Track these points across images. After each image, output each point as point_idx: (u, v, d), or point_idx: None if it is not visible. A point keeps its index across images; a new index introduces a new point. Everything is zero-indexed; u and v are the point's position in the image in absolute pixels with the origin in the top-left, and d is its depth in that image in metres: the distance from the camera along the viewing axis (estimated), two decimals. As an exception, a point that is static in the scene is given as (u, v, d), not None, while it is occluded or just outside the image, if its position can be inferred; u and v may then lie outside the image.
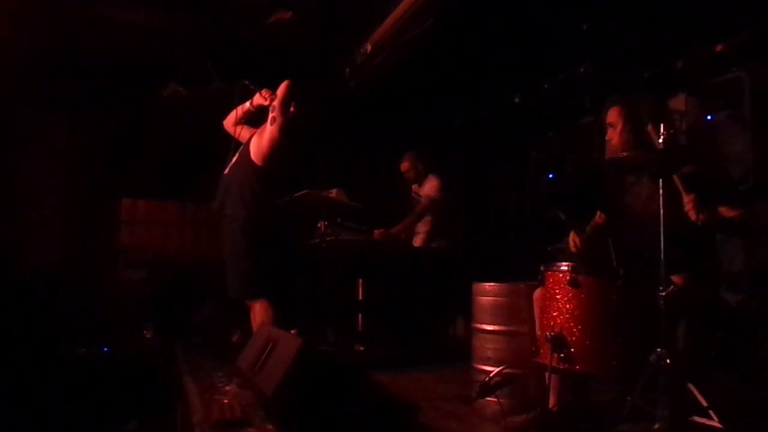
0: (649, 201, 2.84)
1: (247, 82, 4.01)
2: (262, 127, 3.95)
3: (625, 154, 2.95)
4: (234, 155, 4.06)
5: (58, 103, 5.87)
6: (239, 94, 4.07)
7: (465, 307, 3.43)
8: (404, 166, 5.43)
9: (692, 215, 2.53)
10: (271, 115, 3.87)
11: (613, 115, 3.05)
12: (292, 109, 3.91)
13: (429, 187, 5.24)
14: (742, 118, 4.51)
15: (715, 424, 2.36)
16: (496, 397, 2.83)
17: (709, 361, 3.44)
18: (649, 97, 3.16)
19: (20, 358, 4.69)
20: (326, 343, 4.63)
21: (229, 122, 4.21)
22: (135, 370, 4.93)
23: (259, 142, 3.90)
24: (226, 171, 4.04)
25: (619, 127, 3.00)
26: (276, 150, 3.85)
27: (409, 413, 2.45)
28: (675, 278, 2.60)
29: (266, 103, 3.94)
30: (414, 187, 5.50)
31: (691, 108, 4.85)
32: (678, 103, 4.90)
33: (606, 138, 3.09)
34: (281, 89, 3.87)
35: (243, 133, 4.13)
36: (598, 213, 3.17)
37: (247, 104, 4.08)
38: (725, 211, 2.64)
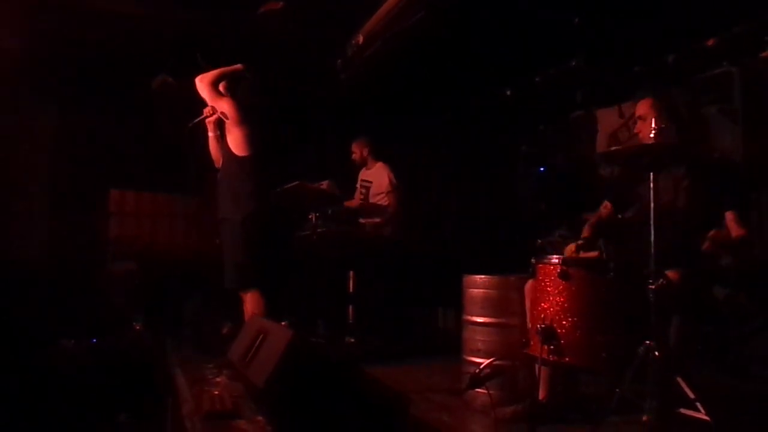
0: (658, 194, 2.81)
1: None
2: (225, 127, 3.97)
3: (615, 148, 2.97)
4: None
5: (44, 92, 5.81)
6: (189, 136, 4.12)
7: (456, 300, 3.44)
8: (353, 148, 5.44)
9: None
10: (219, 113, 3.91)
11: (644, 107, 3.01)
12: (222, 89, 3.98)
13: (383, 182, 5.19)
14: (733, 113, 4.52)
15: (703, 416, 2.38)
16: (486, 388, 2.84)
17: (697, 354, 3.47)
18: (680, 90, 3.13)
19: (7, 351, 4.65)
20: (317, 335, 4.63)
21: (218, 162, 4.18)
22: (125, 363, 4.90)
23: (234, 136, 3.91)
24: (220, 176, 4.05)
25: (650, 119, 2.92)
26: (251, 133, 3.89)
27: (399, 405, 2.45)
28: (669, 273, 2.62)
29: (215, 114, 3.99)
30: (361, 173, 5.48)
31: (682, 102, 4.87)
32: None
33: (635, 131, 3.06)
34: (199, 89, 3.92)
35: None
36: (605, 204, 3.18)
37: (211, 135, 4.13)
38: (732, 225, 2.70)
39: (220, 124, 4.11)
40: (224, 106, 3.88)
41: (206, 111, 4.03)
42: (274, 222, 4.32)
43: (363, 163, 5.42)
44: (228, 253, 3.88)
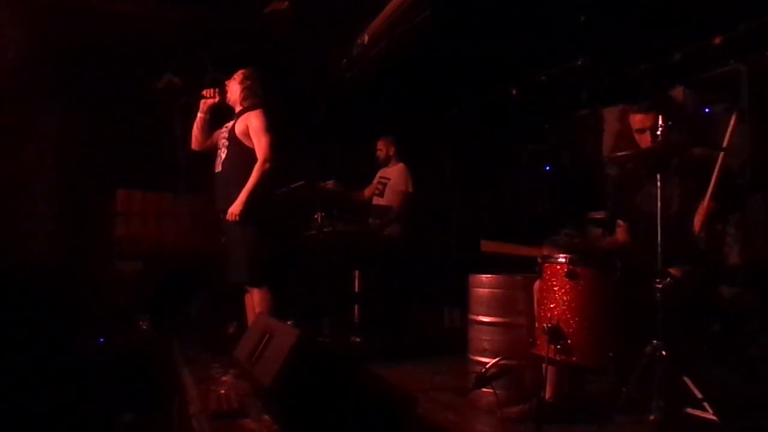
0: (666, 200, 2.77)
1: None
2: (240, 118, 3.94)
3: (622, 153, 2.94)
4: (220, 151, 4.06)
5: (50, 92, 5.82)
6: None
7: (461, 299, 3.44)
8: (379, 145, 5.43)
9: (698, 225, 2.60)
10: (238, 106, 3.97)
11: (649, 120, 2.95)
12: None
13: (401, 181, 5.19)
14: (740, 111, 4.51)
15: (710, 416, 2.36)
16: (492, 388, 2.83)
17: (704, 354, 3.46)
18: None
19: (13, 351, 4.67)
20: (322, 335, 4.63)
21: (197, 142, 4.19)
22: (131, 362, 4.92)
23: (257, 142, 3.88)
24: (219, 169, 4.01)
25: (656, 126, 2.91)
26: (275, 139, 3.90)
27: (406, 404, 2.45)
28: (674, 271, 2.61)
29: (216, 99, 4.02)
30: (381, 170, 5.47)
31: (688, 100, 4.85)
32: (676, 95, 4.90)
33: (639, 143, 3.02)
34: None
35: (215, 137, 4.15)
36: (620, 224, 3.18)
37: (201, 115, 4.13)
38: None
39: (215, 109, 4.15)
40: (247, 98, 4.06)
41: (206, 92, 4.05)
42: (278, 220, 4.32)
43: (386, 162, 5.41)
44: (237, 249, 3.88)
